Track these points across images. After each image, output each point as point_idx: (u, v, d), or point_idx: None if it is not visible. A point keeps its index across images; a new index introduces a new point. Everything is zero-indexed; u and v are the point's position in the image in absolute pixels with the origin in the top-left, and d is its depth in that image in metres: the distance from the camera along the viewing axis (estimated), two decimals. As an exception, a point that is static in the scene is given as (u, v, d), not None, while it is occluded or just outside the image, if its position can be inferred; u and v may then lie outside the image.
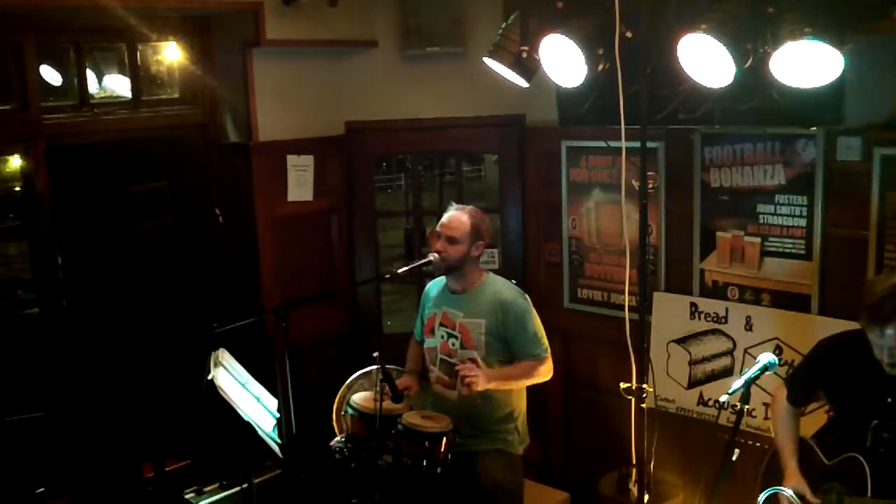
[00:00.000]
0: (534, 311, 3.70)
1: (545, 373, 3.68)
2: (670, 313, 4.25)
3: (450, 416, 3.59)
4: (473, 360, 3.60)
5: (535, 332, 3.66)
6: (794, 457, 3.04)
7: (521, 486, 3.80)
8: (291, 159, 4.71)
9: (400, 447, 3.48)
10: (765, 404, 3.85)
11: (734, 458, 2.87)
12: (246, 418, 3.46)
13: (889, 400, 2.85)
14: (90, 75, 4.41)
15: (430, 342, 3.84)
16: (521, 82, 3.68)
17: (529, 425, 3.85)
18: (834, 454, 2.99)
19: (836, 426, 3.13)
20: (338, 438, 3.70)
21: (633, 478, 3.56)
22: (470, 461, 3.65)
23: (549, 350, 3.68)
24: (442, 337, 3.76)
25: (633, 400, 3.38)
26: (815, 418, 3.36)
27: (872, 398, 2.89)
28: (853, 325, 3.11)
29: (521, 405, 3.77)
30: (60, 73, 4.32)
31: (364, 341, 4.84)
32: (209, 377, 3.48)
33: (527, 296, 3.74)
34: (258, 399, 3.63)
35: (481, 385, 3.50)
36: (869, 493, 2.81)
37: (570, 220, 4.69)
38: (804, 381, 3.15)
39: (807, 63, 2.86)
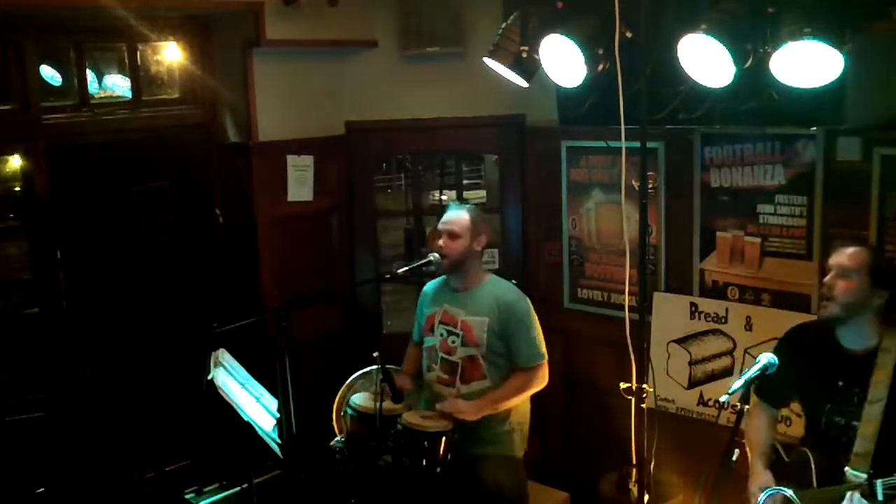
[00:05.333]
0: (534, 316, 3.71)
1: (539, 382, 3.68)
2: (670, 313, 4.25)
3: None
4: (472, 362, 3.61)
5: (535, 337, 3.67)
6: (761, 457, 3.05)
7: (525, 491, 3.81)
8: (291, 159, 4.71)
9: (399, 447, 3.48)
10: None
11: (734, 458, 2.87)
12: (246, 418, 3.46)
13: (840, 383, 2.89)
14: (90, 75, 4.40)
15: (429, 340, 3.84)
16: (521, 82, 3.68)
17: (530, 424, 3.85)
18: (792, 450, 3.03)
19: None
20: (338, 438, 3.70)
21: (633, 478, 3.55)
22: (472, 466, 3.65)
23: (546, 356, 3.69)
24: (441, 335, 3.76)
25: (633, 400, 3.38)
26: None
27: (826, 382, 2.93)
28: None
29: (521, 406, 3.77)
30: (60, 73, 4.32)
31: (364, 341, 4.83)
32: (209, 377, 3.48)
33: (528, 300, 3.75)
34: (258, 399, 3.63)
35: (471, 418, 3.53)
36: (814, 484, 2.84)
37: (570, 220, 4.69)
38: (772, 375, 3.12)
39: (807, 63, 2.87)
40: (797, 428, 3.33)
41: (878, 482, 2.52)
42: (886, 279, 2.92)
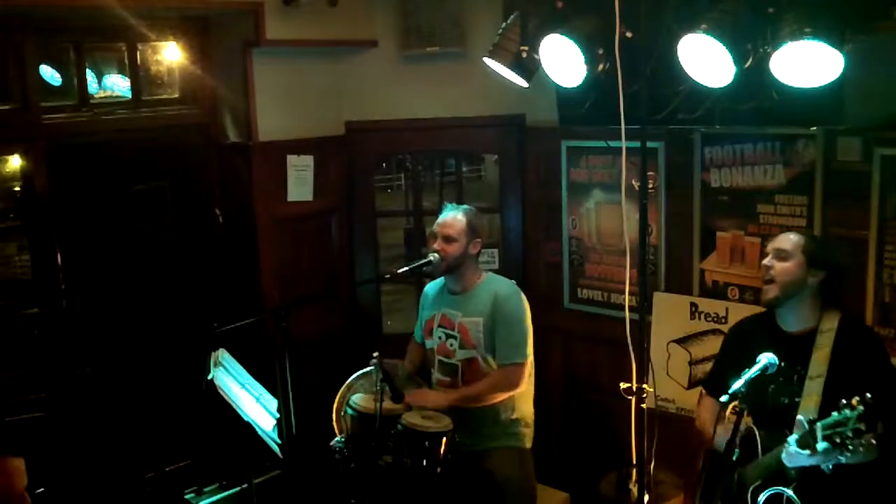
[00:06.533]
0: (526, 314, 3.67)
1: (513, 384, 3.63)
2: (670, 313, 4.25)
3: (451, 418, 3.59)
4: (471, 364, 3.61)
5: (517, 335, 3.64)
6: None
7: (533, 481, 3.81)
8: (291, 159, 4.71)
9: (400, 447, 3.48)
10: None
11: (734, 458, 2.87)
12: (246, 418, 3.46)
13: (782, 364, 2.93)
14: (90, 75, 4.40)
15: (428, 344, 3.84)
16: (521, 82, 3.68)
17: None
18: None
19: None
20: (338, 438, 3.70)
21: (633, 478, 3.55)
22: (479, 459, 3.65)
23: (528, 357, 3.65)
24: (440, 338, 3.76)
25: (633, 400, 3.38)
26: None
27: None
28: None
29: (524, 408, 3.77)
30: (60, 73, 4.32)
31: (364, 341, 4.84)
32: (209, 377, 3.48)
33: (524, 298, 3.73)
34: (258, 399, 3.63)
35: (438, 406, 3.55)
36: (759, 455, 2.93)
37: (570, 220, 4.69)
38: (718, 368, 3.31)
39: (807, 63, 2.86)
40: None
41: (818, 424, 2.55)
42: (821, 259, 3.06)
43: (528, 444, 3.78)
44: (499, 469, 3.64)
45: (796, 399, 2.98)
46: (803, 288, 3.04)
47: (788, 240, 3.09)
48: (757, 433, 2.95)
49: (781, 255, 3.07)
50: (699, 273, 4.19)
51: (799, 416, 2.71)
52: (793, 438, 2.66)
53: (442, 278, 3.88)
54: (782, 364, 2.96)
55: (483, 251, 3.85)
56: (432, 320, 3.82)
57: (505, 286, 3.72)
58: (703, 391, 3.41)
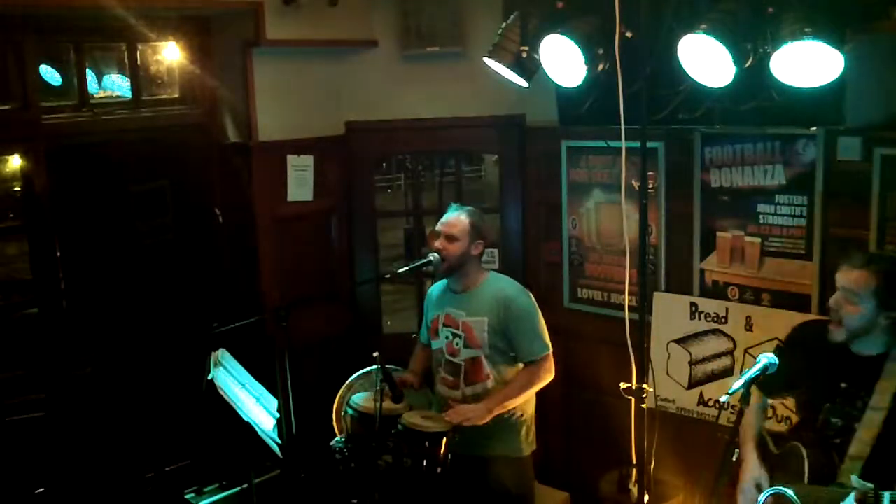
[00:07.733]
0: (537, 309, 3.70)
1: (545, 376, 3.67)
2: (670, 313, 4.25)
3: None
4: (475, 363, 3.61)
5: (536, 330, 3.66)
6: (755, 449, 3.06)
7: (532, 490, 3.82)
8: (291, 159, 4.71)
9: (400, 447, 3.48)
10: (765, 404, 3.86)
11: (734, 458, 2.87)
12: (246, 418, 3.46)
13: (843, 385, 2.88)
14: (90, 75, 4.41)
15: (435, 344, 3.84)
16: (521, 82, 3.68)
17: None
18: (783, 442, 3.04)
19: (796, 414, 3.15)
20: (338, 438, 3.70)
21: (633, 478, 3.55)
22: (480, 466, 3.65)
23: (550, 348, 3.68)
24: (446, 337, 3.76)
25: (633, 400, 3.38)
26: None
27: (828, 382, 2.92)
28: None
29: (527, 408, 3.77)
30: (60, 73, 4.32)
31: (364, 341, 4.84)
32: (209, 377, 3.48)
33: (530, 294, 3.75)
34: (258, 399, 3.63)
35: (482, 420, 3.52)
36: (806, 481, 2.81)
37: (570, 220, 4.69)
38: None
39: (807, 63, 2.87)
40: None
41: (886, 494, 2.44)
42: (894, 300, 2.80)
43: (529, 452, 3.78)
44: (498, 479, 3.65)
45: (854, 424, 2.82)
46: (875, 327, 2.81)
47: (857, 281, 2.78)
48: (805, 453, 2.85)
49: (850, 296, 2.81)
50: (699, 273, 4.18)
51: (854, 477, 2.56)
52: (851, 497, 2.52)
53: (445, 279, 3.88)
54: (843, 385, 2.86)
55: (484, 251, 3.85)
56: (437, 320, 3.82)
57: (509, 285, 3.74)
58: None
